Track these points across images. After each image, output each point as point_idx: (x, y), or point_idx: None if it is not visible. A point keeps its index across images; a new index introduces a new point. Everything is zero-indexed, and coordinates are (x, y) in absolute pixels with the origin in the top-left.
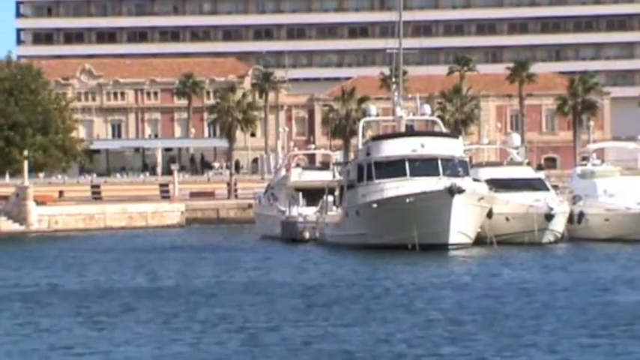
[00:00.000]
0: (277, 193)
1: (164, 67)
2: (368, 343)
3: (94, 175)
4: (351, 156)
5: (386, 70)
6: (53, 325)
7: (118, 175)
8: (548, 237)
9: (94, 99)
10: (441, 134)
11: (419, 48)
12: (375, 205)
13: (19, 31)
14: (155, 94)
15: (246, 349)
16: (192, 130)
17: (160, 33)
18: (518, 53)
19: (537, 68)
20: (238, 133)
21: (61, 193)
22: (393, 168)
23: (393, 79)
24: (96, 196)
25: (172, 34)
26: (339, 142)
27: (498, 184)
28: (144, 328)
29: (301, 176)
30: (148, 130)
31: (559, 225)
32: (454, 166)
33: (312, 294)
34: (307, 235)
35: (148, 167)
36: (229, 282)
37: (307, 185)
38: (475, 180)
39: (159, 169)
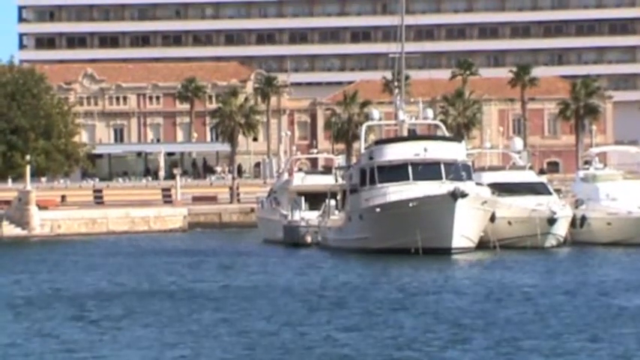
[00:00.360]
0: (280, 197)
1: (166, 71)
2: (370, 347)
3: (97, 180)
4: (354, 160)
5: (388, 74)
6: (55, 329)
7: (121, 179)
8: (551, 241)
9: (96, 103)
10: (443, 138)
11: (421, 52)
12: (378, 210)
13: (21, 35)
14: (157, 98)
15: (247, 353)
16: (195, 135)
17: (163, 37)
18: (521, 57)
19: (539, 72)
20: (240, 138)
21: (63, 197)
22: (396, 172)
23: (396, 83)
24: (98, 200)
25: (174, 39)
26: (341, 146)
27: (501, 188)
28: (146, 331)
29: (304, 180)
30: (150, 135)
31: (562, 229)
32: (457, 170)
33: (314, 298)
34: (309, 239)
35: (150, 172)
36: (231, 286)
37: (310, 189)
38: (478, 184)
39: (161, 174)
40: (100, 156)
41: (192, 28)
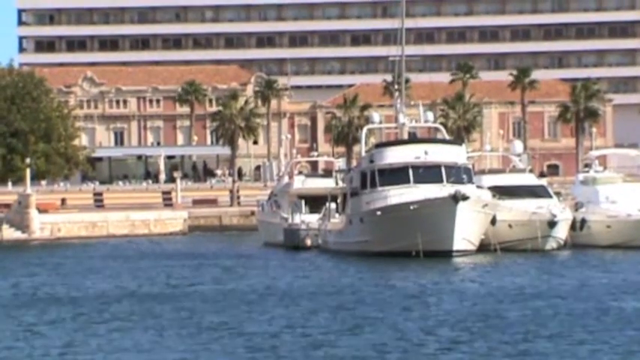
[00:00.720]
0: (280, 200)
1: (166, 74)
2: (370, 349)
3: (97, 183)
4: (354, 163)
5: (388, 78)
6: (55, 332)
7: (121, 182)
8: (551, 244)
9: (96, 107)
10: (444, 141)
11: (421, 55)
12: (378, 213)
13: (21, 38)
14: (157, 101)
15: (248, 356)
16: (195, 138)
17: (163, 40)
18: (521, 60)
19: (540, 75)
20: (241, 141)
21: (63, 200)
22: (397, 175)
23: (396, 87)
24: (98, 203)
25: (174, 42)
26: (341, 149)
27: (501, 191)
28: (146, 334)
29: (304, 183)
30: (150, 138)
31: (562, 232)
32: (458, 173)
33: (314, 301)
34: (310, 242)
35: (150, 175)
36: (232, 289)
37: (310, 192)
38: (478, 187)
39: (161, 177)
40: (100, 159)
41: (192, 31)
